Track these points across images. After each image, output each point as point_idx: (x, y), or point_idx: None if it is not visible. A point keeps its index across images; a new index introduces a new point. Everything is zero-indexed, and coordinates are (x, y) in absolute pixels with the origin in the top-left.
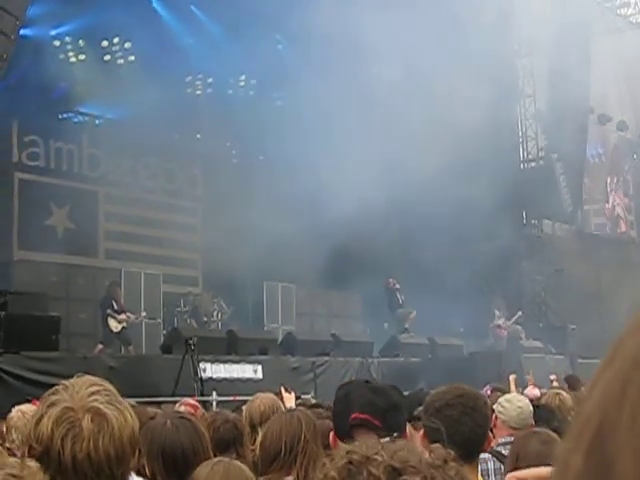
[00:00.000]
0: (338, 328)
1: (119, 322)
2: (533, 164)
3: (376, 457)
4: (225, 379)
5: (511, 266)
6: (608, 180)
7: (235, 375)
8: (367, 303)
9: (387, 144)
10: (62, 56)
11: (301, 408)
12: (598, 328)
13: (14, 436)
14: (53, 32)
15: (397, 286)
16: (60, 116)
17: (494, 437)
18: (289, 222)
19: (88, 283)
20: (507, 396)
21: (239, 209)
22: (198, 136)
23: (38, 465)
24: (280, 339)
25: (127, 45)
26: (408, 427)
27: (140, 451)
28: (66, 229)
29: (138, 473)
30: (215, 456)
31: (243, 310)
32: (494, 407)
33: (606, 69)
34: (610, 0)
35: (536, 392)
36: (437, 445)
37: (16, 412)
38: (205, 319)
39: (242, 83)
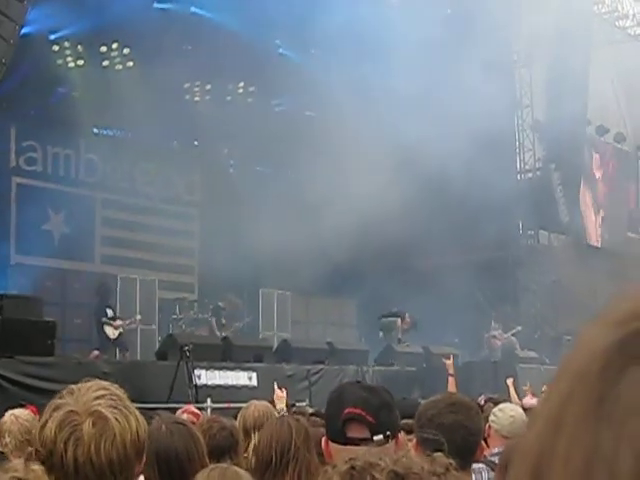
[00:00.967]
0: (333, 336)
1: (115, 328)
2: (530, 175)
3: (379, 463)
4: (220, 386)
5: (507, 276)
6: (605, 191)
7: (230, 382)
8: (362, 311)
9: (385, 152)
10: (60, 61)
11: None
12: None
13: (7, 440)
14: (52, 37)
15: (405, 327)
16: (58, 121)
17: (488, 447)
18: (286, 229)
19: (84, 288)
20: (500, 405)
21: (236, 216)
22: (196, 143)
23: (42, 468)
24: (275, 346)
25: (126, 51)
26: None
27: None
28: (63, 234)
29: None
30: (210, 463)
31: (239, 317)
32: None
33: (604, 81)
34: (609, 12)
35: (534, 402)
36: (439, 454)
37: (9, 416)
38: (224, 322)
39: (240, 90)
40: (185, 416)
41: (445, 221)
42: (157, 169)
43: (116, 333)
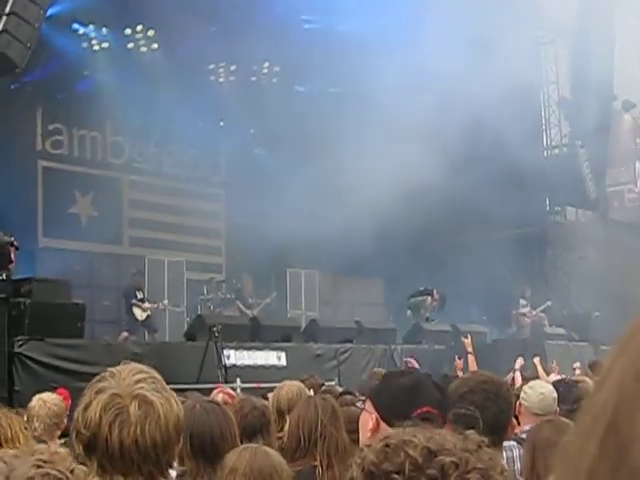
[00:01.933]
0: (361, 315)
1: (144, 310)
2: (557, 151)
3: (413, 440)
4: (249, 366)
5: (534, 253)
6: (637, 165)
7: (259, 362)
8: (390, 290)
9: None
10: (85, 44)
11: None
12: (622, 315)
13: (36, 424)
14: (76, 20)
15: (435, 303)
16: (84, 104)
17: (519, 424)
18: (312, 209)
19: (112, 271)
20: (530, 383)
21: (262, 196)
22: (221, 123)
23: (67, 451)
24: (303, 326)
25: (150, 33)
26: None
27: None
28: (90, 217)
29: None
30: (242, 443)
31: (266, 297)
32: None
33: (630, 54)
34: None
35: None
36: (471, 431)
37: (37, 401)
38: (251, 300)
39: (265, 70)
40: (220, 397)
41: (472, 199)
42: (183, 150)
43: (144, 315)
